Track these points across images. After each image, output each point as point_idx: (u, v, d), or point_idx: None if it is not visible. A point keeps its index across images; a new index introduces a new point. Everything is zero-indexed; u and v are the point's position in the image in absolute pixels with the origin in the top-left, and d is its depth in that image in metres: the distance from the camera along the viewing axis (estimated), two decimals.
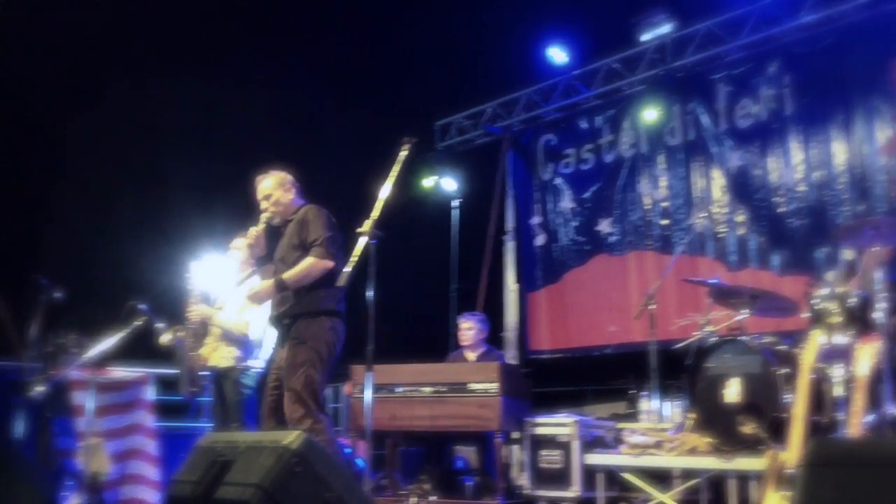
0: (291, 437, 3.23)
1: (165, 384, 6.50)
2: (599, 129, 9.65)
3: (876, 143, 7.42)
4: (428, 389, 6.06)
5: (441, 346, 7.58)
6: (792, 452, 3.66)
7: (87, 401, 5.45)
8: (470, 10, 9.85)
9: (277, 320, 5.02)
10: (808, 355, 4.02)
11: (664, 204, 8.93)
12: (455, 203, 10.45)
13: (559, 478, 5.76)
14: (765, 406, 4.91)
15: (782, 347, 5.19)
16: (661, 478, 5.55)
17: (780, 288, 6.82)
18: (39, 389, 5.33)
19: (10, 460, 4.48)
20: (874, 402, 4.02)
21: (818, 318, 4.16)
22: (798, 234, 7.80)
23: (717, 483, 5.32)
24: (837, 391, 4.08)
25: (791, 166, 7.93)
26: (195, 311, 5.72)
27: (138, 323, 5.47)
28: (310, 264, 4.84)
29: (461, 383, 5.95)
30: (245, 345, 5.75)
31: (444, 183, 10.62)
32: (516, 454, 6.41)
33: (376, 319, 4.47)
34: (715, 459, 5.09)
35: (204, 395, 6.00)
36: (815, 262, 7.43)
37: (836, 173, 7.64)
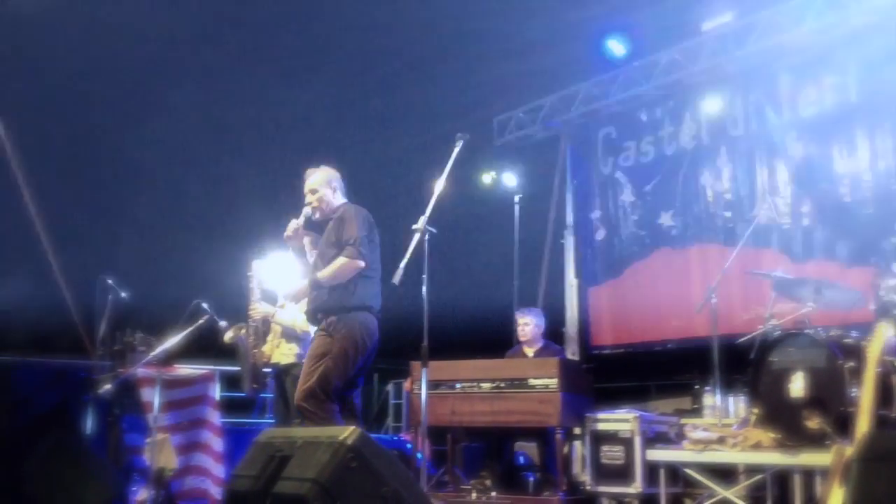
0: (347, 433, 3.28)
1: (230, 381, 6.63)
2: (660, 121, 9.48)
3: None
4: (487, 385, 6.05)
5: (505, 341, 7.56)
6: None
7: (154, 397, 5.61)
8: (528, 4, 9.82)
9: (312, 315, 5.24)
10: (874, 348, 3.92)
11: (727, 196, 8.75)
12: (516, 198, 10.43)
13: (621, 474, 5.71)
14: (830, 400, 4.82)
15: (848, 340, 5.07)
16: (724, 474, 5.48)
17: (846, 279, 6.66)
18: (108, 387, 5.51)
19: (81, 457, 4.63)
20: None
21: (885, 310, 4.10)
22: (864, 225, 7.55)
23: (782, 479, 5.23)
24: None
25: (856, 155, 7.71)
26: (257, 309, 5.83)
27: (201, 322, 5.60)
28: (340, 265, 5.00)
29: (521, 379, 5.93)
30: (306, 341, 5.81)
31: (505, 178, 10.61)
32: (578, 450, 6.37)
33: (437, 316, 4.51)
34: (779, 455, 5.02)
35: (267, 392, 6.11)
36: (882, 252, 7.19)
37: None
